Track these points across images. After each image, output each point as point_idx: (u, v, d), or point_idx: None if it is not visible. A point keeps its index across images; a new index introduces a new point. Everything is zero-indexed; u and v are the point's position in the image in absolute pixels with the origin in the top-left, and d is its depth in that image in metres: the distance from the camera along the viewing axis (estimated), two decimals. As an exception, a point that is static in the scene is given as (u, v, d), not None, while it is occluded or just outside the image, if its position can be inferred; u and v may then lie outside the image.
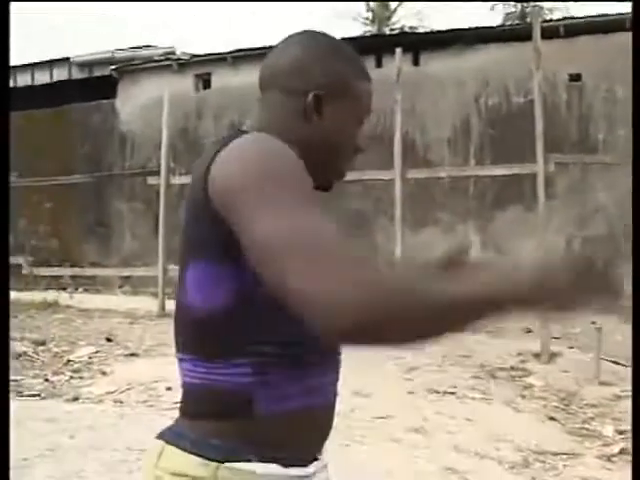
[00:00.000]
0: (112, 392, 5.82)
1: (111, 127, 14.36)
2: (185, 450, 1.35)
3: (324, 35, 1.50)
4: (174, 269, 10.16)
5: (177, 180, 10.19)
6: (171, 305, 9.76)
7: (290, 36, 1.51)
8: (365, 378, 6.35)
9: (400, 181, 8.14)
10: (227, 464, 1.33)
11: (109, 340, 8.01)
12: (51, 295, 10.99)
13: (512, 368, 7.02)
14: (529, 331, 8.59)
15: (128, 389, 5.90)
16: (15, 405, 4.97)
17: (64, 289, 12.02)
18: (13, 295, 10.85)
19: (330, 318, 1.07)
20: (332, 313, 1.07)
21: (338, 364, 1.46)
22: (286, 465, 1.37)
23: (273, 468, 1.35)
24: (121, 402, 5.49)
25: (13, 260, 12.11)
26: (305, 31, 1.51)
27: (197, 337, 1.37)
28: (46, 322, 9.20)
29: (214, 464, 1.32)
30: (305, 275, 1.10)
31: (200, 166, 1.33)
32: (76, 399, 5.60)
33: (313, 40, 1.48)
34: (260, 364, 1.34)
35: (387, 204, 8.51)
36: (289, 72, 1.45)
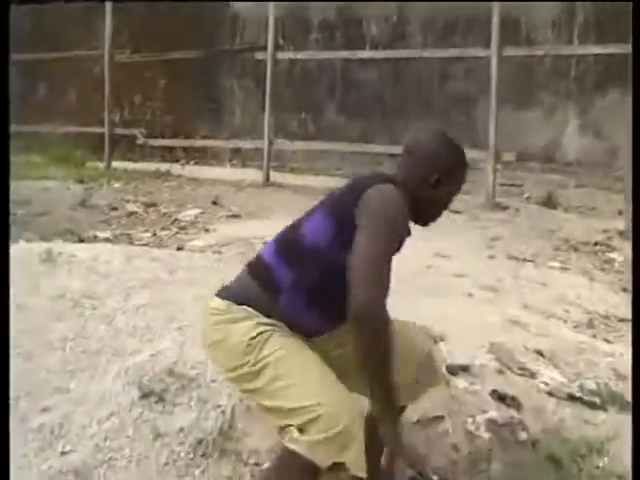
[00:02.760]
0: (213, 245, 6.33)
1: (223, 3, 14.60)
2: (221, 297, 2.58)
3: (450, 139, 2.63)
4: (280, 142, 10.60)
5: (284, 55, 10.51)
6: (275, 176, 10.27)
7: (431, 132, 2.69)
8: (448, 242, 6.69)
9: (496, 58, 8.26)
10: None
11: (215, 203, 8.54)
12: (164, 166, 11.57)
13: (596, 243, 7.21)
14: (621, 213, 8.71)
15: (228, 243, 6.39)
16: (124, 249, 5.56)
17: (177, 161, 12.62)
18: (127, 165, 11.54)
19: (361, 305, 2.23)
20: (364, 305, 2.24)
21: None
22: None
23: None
24: (220, 252, 5.99)
25: (127, 132, 12.74)
26: (440, 132, 2.67)
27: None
28: (157, 188, 9.76)
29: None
30: (365, 287, 2.24)
31: (354, 189, 2.46)
32: (180, 249, 6.13)
33: (445, 142, 2.61)
34: None
35: (487, 86, 8.63)
36: (429, 159, 2.56)
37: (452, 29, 11.68)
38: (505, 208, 8.51)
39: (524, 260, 6.38)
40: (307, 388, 2.32)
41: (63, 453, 2.85)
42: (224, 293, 2.57)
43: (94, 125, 12.84)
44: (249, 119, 13.07)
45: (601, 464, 3.23)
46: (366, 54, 10.74)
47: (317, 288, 2.45)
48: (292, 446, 2.26)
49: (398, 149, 8.43)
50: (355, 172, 11.06)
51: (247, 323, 2.43)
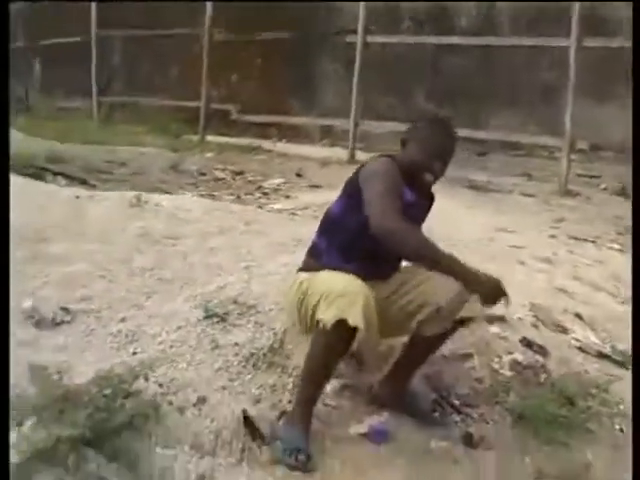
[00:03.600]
0: (290, 208, 6.78)
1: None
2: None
3: (440, 118, 3.58)
4: (365, 123, 10.99)
5: (374, 39, 10.88)
6: (361, 156, 10.65)
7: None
8: (515, 220, 7.00)
9: (575, 48, 8.46)
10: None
11: (299, 175, 9.01)
12: (256, 142, 12.10)
13: (662, 229, 7.37)
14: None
15: (305, 208, 6.82)
16: (206, 201, 6.06)
17: (269, 139, 13.12)
18: (220, 139, 12.09)
19: (378, 224, 2.89)
20: (384, 227, 2.88)
21: None
22: None
23: None
24: (295, 214, 6.43)
25: (222, 107, 13.30)
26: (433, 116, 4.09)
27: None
28: (247, 160, 10.28)
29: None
30: (377, 213, 2.91)
31: (358, 167, 3.18)
32: (259, 208, 6.60)
33: (429, 120, 3.38)
34: None
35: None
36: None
37: (540, 21, 11.83)
38: (576, 195, 8.74)
39: (585, 240, 6.62)
40: (330, 281, 2.99)
41: (134, 353, 3.33)
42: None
43: (192, 101, 13.41)
44: (340, 101, 13.41)
45: (606, 399, 3.56)
46: (454, 40, 10.97)
47: (345, 246, 3.13)
48: (317, 317, 2.92)
49: (482, 134, 8.74)
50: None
51: (300, 277, 3.20)
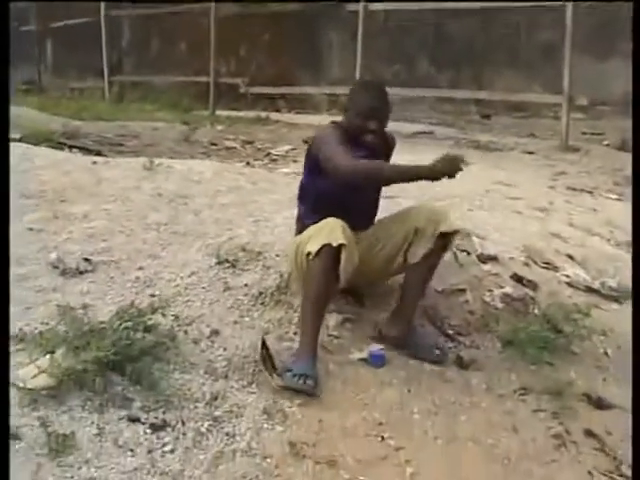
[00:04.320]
0: (298, 171, 7.03)
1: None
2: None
3: (369, 81, 4.69)
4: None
5: (377, 6, 11.08)
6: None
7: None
8: (513, 174, 7.24)
9: (572, 6, 8.63)
10: None
11: (306, 142, 9.25)
12: (264, 114, 12.37)
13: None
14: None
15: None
16: (216, 164, 6.33)
17: (277, 111, 13.38)
18: (230, 113, 12.35)
19: (338, 172, 3.33)
20: (341, 171, 3.31)
21: None
22: None
23: None
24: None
25: (231, 81, 13.57)
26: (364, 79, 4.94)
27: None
28: (256, 130, 10.54)
29: None
30: (335, 162, 3.30)
31: (311, 139, 3.67)
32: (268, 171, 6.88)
33: (359, 84, 4.22)
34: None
35: (573, 35, 9.00)
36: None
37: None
38: (576, 150, 8.94)
39: (582, 191, 6.84)
40: (313, 227, 3.45)
41: (152, 295, 3.62)
42: None
43: (201, 76, 13.68)
44: (347, 71, 13.64)
45: (588, 325, 3.84)
46: (454, 4, 11.09)
47: (317, 207, 3.58)
48: (306, 252, 3.30)
49: (483, 94, 8.96)
50: (441, 119, 11.59)
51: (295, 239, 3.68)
